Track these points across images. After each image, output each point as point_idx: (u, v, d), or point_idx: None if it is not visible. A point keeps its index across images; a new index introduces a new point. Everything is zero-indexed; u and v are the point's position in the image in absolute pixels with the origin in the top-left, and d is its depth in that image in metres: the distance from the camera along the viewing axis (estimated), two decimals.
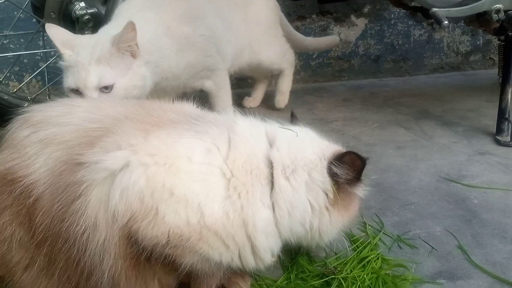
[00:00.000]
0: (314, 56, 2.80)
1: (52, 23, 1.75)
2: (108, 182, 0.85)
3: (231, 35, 1.97)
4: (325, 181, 0.95)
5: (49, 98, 2.05)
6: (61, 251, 0.86)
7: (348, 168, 0.95)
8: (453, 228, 1.26)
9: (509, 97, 1.89)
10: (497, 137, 1.86)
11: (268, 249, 0.94)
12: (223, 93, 1.95)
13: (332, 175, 0.95)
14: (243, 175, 0.90)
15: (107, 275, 0.85)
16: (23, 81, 2.50)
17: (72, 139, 0.91)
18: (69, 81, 1.41)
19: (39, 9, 1.78)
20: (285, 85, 2.33)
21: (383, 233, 1.23)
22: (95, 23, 1.76)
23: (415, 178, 1.56)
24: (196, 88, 1.87)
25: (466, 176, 1.56)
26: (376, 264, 1.09)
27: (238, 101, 2.54)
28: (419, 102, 2.45)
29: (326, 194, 0.96)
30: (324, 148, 1.00)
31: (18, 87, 2.06)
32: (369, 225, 1.25)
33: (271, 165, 0.94)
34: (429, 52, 3.04)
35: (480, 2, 1.82)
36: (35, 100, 1.98)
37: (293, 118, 1.12)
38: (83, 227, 0.84)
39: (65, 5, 1.72)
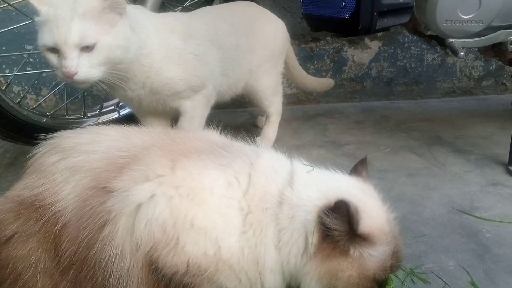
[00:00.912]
0: (327, 76, 2.83)
1: None
2: (135, 212, 0.88)
3: (230, 67, 1.84)
4: (309, 227, 0.92)
5: (67, 114, 2.08)
6: (86, 278, 0.89)
7: (338, 219, 0.88)
8: (466, 263, 1.27)
9: None
10: (510, 168, 1.86)
11: (273, 285, 0.95)
12: (196, 122, 1.74)
13: (321, 224, 0.90)
14: (259, 212, 0.92)
15: None
16: (40, 94, 2.56)
17: (100, 167, 0.94)
18: (45, 38, 1.28)
19: None
20: (270, 132, 2.16)
21: None
22: None
23: (427, 208, 1.57)
24: (173, 108, 1.70)
25: (479, 208, 1.57)
26: None
27: (251, 120, 2.57)
28: (431, 127, 2.46)
29: (308, 241, 0.92)
30: (327, 192, 0.95)
31: (38, 103, 2.09)
32: None
33: (282, 203, 0.94)
34: (442, 76, 3.06)
35: (496, 33, 1.84)
36: (54, 116, 2.01)
37: (358, 166, 1.09)
38: (110, 254, 0.87)
39: None
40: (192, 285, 0.90)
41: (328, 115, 2.71)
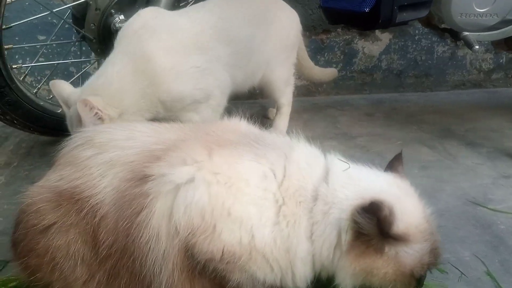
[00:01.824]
0: (338, 68, 2.83)
1: (91, 34, 1.82)
2: (172, 195, 0.91)
3: (244, 59, 1.86)
4: (342, 225, 0.93)
5: None
6: (125, 266, 0.91)
7: (371, 220, 0.89)
8: (481, 253, 1.29)
9: None
10: None
11: (304, 277, 0.98)
12: None
13: (356, 222, 0.91)
14: (293, 204, 0.95)
15: (164, 285, 0.90)
16: None
17: (137, 160, 0.96)
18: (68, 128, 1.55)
19: (79, 20, 1.84)
20: (282, 124, 2.18)
21: None
22: None
23: (441, 200, 1.59)
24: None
25: (492, 200, 1.59)
26: None
27: (262, 112, 2.58)
28: (442, 119, 2.47)
29: (342, 238, 0.94)
30: (363, 191, 0.97)
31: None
32: None
33: (317, 198, 0.97)
34: (452, 68, 3.06)
35: (510, 26, 1.84)
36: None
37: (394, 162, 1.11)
38: (146, 238, 0.89)
39: (105, 17, 1.77)
40: (225, 272, 0.92)
41: (338, 107, 2.73)
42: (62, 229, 0.94)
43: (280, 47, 2.01)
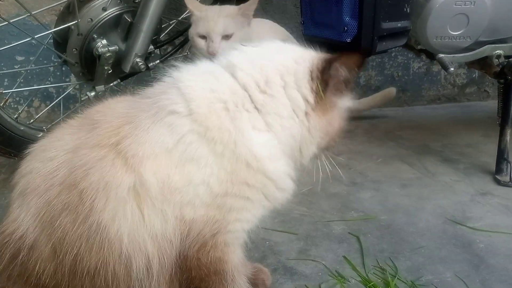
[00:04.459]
0: None
1: (73, 59, 1.81)
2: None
3: None
4: (301, 84, 0.94)
5: None
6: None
7: (348, 68, 0.93)
8: (463, 273, 1.33)
9: (508, 138, 1.99)
10: (497, 177, 1.94)
11: (283, 174, 0.95)
12: None
13: (314, 78, 0.94)
14: (215, 119, 0.89)
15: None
16: (32, 106, 2.54)
17: (40, 184, 0.90)
18: (199, 28, 1.80)
19: (61, 45, 1.83)
20: None
21: (397, 278, 1.30)
22: (116, 59, 1.81)
23: (422, 219, 1.63)
24: None
25: (471, 218, 1.64)
26: None
27: None
28: (419, 135, 2.54)
29: (306, 99, 0.94)
30: (300, 52, 0.99)
31: (34, 119, 2.09)
32: (385, 270, 1.32)
33: (245, 88, 0.93)
34: (427, 83, 3.15)
35: (482, 48, 1.92)
36: (50, 130, 2.01)
37: None
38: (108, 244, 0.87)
39: (88, 42, 1.77)
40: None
41: None
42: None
43: None
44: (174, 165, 0.87)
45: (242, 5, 1.84)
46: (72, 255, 0.85)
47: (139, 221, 0.86)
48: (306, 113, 0.94)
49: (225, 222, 0.91)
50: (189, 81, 0.93)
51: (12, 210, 0.94)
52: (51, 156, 0.93)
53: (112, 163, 0.87)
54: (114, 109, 0.96)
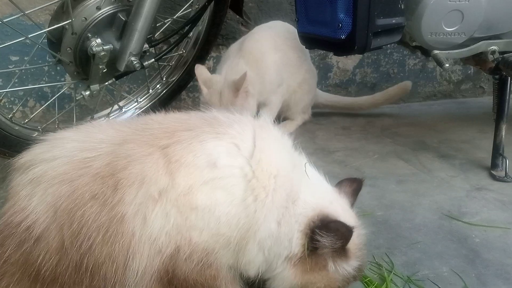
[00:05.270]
0: None
1: (67, 58, 1.81)
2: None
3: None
4: (293, 238, 0.93)
5: (58, 127, 2.07)
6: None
7: (333, 238, 0.90)
8: (459, 268, 1.33)
9: (503, 133, 1.99)
10: (492, 172, 1.95)
11: (255, 263, 0.93)
12: (274, 111, 2.44)
13: (313, 239, 0.92)
14: (266, 177, 0.89)
15: None
16: (27, 106, 2.53)
17: (68, 171, 0.88)
18: (212, 100, 2.02)
19: (55, 44, 1.82)
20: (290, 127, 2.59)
21: (394, 273, 1.30)
22: (110, 58, 1.81)
23: (419, 215, 1.63)
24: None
25: (466, 213, 1.64)
26: None
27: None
28: (415, 132, 2.55)
29: (291, 245, 0.93)
30: (317, 202, 0.97)
31: (29, 118, 2.08)
32: (381, 265, 1.32)
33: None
34: (423, 80, 3.16)
35: (477, 44, 1.92)
36: (45, 130, 2.01)
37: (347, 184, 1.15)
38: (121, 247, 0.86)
39: (82, 41, 1.76)
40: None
41: (316, 121, 2.77)
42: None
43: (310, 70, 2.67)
44: (206, 182, 0.87)
45: (236, 84, 1.99)
46: (84, 247, 0.83)
47: (158, 222, 0.87)
48: (289, 260, 0.93)
49: (220, 255, 0.91)
50: (266, 138, 0.94)
51: (17, 198, 0.89)
52: (88, 147, 0.91)
53: (156, 161, 0.87)
54: (172, 116, 0.99)
